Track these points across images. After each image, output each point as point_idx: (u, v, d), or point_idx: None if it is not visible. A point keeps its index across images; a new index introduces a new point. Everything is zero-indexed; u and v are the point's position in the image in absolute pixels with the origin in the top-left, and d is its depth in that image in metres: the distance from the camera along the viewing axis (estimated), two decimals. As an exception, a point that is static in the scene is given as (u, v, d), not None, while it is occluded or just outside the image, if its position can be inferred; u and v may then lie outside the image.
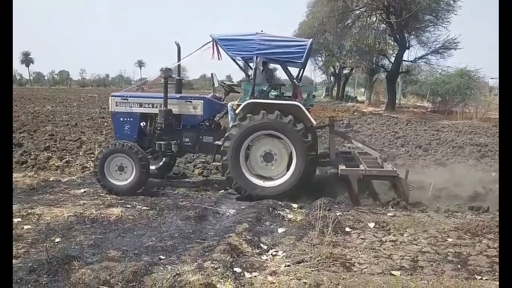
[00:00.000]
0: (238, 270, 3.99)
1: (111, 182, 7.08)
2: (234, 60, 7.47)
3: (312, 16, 30.92)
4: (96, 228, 5.20)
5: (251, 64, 7.53)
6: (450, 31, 40.24)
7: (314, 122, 6.94)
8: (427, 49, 27.45)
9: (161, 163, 8.62)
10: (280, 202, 6.46)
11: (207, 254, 4.29)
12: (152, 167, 8.19)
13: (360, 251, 4.59)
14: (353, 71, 46.44)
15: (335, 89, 52.34)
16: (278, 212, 5.88)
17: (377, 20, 27.73)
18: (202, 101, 7.60)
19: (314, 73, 61.20)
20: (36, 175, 8.30)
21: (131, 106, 7.77)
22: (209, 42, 7.09)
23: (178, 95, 7.78)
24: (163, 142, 7.48)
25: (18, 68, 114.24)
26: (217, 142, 7.34)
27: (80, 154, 10.06)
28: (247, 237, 4.83)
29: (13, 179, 7.50)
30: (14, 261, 4.12)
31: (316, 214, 5.42)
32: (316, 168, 7.33)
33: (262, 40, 6.93)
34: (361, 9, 27.50)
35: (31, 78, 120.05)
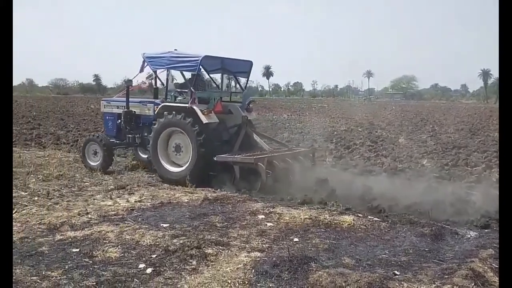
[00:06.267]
0: (485, 301, 3.58)
1: (88, 162, 9.66)
2: (155, 72, 9.56)
3: None
4: (330, 233, 5.39)
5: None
6: None
7: (205, 121, 8.21)
8: None
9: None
10: None
11: (446, 277, 3.97)
12: (144, 156, 10.26)
13: None
14: None
15: None
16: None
17: None
18: (153, 104, 9.45)
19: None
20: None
21: (112, 108, 10.25)
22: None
23: (138, 100, 10.21)
24: (130, 135, 9.71)
25: (260, 80, 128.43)
26: None
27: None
28: (493, 265, 4.29)
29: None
30: (258, 254, 4.57)
31: None
32: (212, 158, 8.15)
33: (170, 57, 8.90)
34: None
35: (270, 89, 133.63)
